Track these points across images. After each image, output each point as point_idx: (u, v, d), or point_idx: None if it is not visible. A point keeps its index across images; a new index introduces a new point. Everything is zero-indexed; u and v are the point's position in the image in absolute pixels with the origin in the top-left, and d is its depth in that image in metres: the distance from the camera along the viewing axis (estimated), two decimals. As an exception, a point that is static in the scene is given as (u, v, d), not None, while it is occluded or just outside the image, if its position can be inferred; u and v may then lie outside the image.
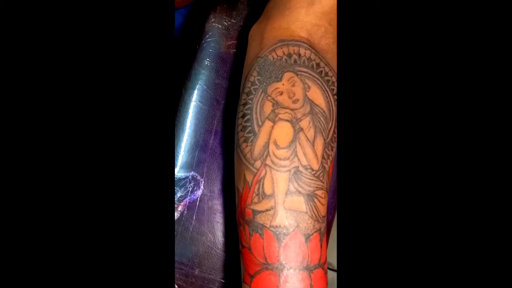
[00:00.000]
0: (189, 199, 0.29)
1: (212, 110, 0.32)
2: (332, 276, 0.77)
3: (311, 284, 0.23)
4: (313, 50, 0.27)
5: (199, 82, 0.32)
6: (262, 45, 0.27)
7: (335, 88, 0.28)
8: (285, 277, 0.22)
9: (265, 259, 0.23)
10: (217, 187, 0.30)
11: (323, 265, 0.24)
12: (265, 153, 0.24)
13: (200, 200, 0.29)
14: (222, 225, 0.29)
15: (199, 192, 0.29)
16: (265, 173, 0.24)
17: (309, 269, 0.23)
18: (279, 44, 0.27)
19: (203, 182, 0.29)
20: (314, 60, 0.27)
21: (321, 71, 0.27)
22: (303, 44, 0.27)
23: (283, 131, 0.25)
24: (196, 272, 0.28)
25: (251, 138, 0.25)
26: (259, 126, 0.25)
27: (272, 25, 0.28)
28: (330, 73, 0.27)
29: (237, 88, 0.29)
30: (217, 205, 0.29)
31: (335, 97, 0.27)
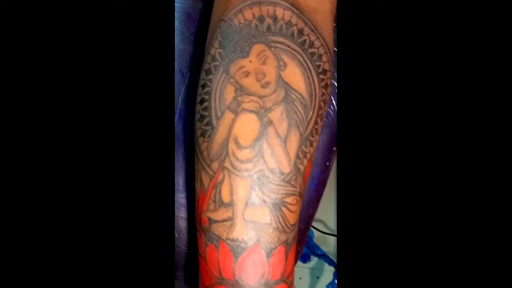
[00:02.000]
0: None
1: (176, 85, 0.26)
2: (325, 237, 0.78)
3: (270, 302, 0.20)
4: (295, 11, 0.20)
5: (161, 48, 0.26)
6: (228, 3, 0.21)
7: (323, 64, 0.21)
8: (240, 295, 0.20)
9: (220, 273, 0.20)
10: (181, 178, 0.26)
11: (286, 278, 0.21)
12: (224, 153, 0.20)
13: (161, 192, 0.26)
14: (186, 220, 0.26)
15: (160, 183, 0.26)
16: (223, 178, 0.20)
17: (268, 286, 0.20)
18: (248, 2, 0.20)
19: (164, 172, 0.26)
20: (296, 24, 0.20)
21: (304, 41, 0.20)
22: (281, 2, 0.20)
23: (246, 126, 0.20)
24: (159, 266, 0.26)
25: (209, 132, 0.20)
26: (218, 118, 0.20)
27: (241, -26, 0.20)
28: (316, 43, 0.21)
29: (204, 55, 0.23)
30: (182, 198, 0.26)
31: (322, 76, 0.21)
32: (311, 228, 0.78)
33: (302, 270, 0.77)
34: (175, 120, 0.26)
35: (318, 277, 0.77)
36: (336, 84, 0.28)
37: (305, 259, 0.78)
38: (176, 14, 0.27)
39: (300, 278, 0.77)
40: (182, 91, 0.26)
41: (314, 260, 0.78)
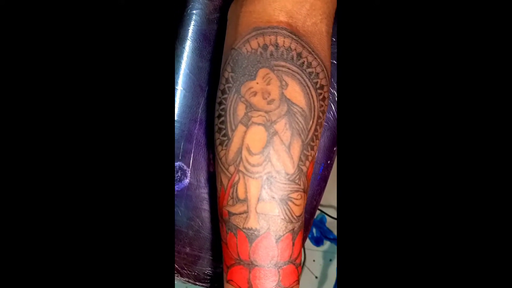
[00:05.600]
0: (177, 187, 0.31)
1: (196, 97, 0.30)
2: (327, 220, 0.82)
3: (279, 278, 0.25)
4: (294, 37, 0.23)
5: (181, 65, 0.30)
6: (237, 34, 0.24)
7: (320, 80, 0.25)
8: (254, 272, 0.25)
9: (238, 255, 0.25)
10: (203, 176, 0.31)
11: (294, 260, 0.26)
12: (238, 159, 0.24)
13: (188, 189, 0.31)
14: (208, 212, 0.31)
15: (186, 181, 0.31)
16: (239, 179, 0.24)
17: (278, 266, 0.25)
18: (253, 33, 0.23)
19: (189, 172, 0.31)
20: (295, 49, 0.24)
21: (303, 63, 0.24)
22: (282, 31, 0.23)
23: (256, 136, 0.24)
24: (187, 250, 0.31)
25: (226, 142, 0.25)
26: (233, 130, 0.24)
27: (247, 7, 0.24)
28: (314, 63, 0.24)
29: (219, 72, 0.27)
30: (204, 193, 0.31)
31: (320, 90, 0.25)
32: (324, 214, 0.82)
33: (316, 253, 0.82)
34: (196, 128, 0.31)
35: (330, 260, 0.82)
36: (336, 93, 0.31)
37: (318, 243, 0.82)
38: (194, 35, 0.30)
39: (314, 261, 0.82)
40: (202, 103, 0.31)
41: (327, 244, 0.83)
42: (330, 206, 0.82)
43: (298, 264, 0.26)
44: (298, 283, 0.26)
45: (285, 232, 0.25)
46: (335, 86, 0.31)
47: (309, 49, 0.24)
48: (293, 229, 0.25)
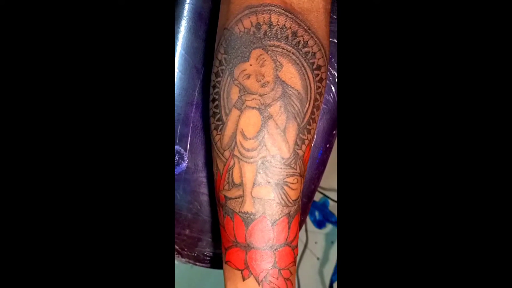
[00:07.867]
0: (175, 171, 0.31)
1: (192, 80, 0.30)
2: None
3: (275, 260, 0.25)
4: (288, 15, 0.22)
5: (177, 46, 0.30)
6: (229, 13, 0.23)
7: (317, 60, 0.24)
8: (251, 254, 0.25)
9: (235, 238, 0.25)
10: (200, 160, 0.31)
11: (290, 243, 0.26)
12: (233, 144, 0.24)
13: (185, 173, 0.31)
14: (206, 195, 0.31)
15: (183, 165, 0.31)
16: (234, 163, 0.24)
17: (273, 248, 0.25)
18: (246, 12, 0.22)
19: (187, 155, 0.30)
20: (290, 27, 0.22)
21: (299, 42, 0.23)
22: (276, 9, 0.22)
23: (250, 120, 0.23)
24: (187, 232, 0.32)
25: (220, 126, 0.24)
26: (227, 115, 0.24)
27: (241, -16, 0.23)
28: (310, 42, 0.23)
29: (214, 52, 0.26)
30: (202, 177, 0.31)
31: (317, 71, 0.24)
32: (327, 198, 0.82)
33: (318, 236, 0.83)
34: (192, 111, 0.30)
35: (332, 242, 0.83)
36: (336, 74, 0.30)
37: (320, 225, 0.83)
38: (189, 14, 0.29)
39: (316, 243, 0.83)
40: (198, 85, 0.30)
41: (329, 226, 0.84)
42: (333, 190, 0.82)
43: (294, 246, 0.26)
44: (295, 264, 0.27)
45: (280, 216, 0.25)
46: (335, 66, 0.30)
47: (305, 27, 0.23)
48: (289, 212, 0.25)
